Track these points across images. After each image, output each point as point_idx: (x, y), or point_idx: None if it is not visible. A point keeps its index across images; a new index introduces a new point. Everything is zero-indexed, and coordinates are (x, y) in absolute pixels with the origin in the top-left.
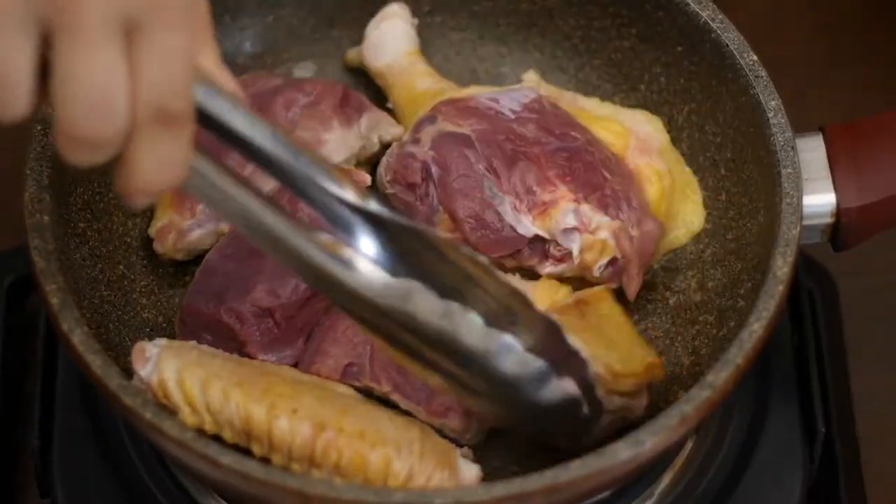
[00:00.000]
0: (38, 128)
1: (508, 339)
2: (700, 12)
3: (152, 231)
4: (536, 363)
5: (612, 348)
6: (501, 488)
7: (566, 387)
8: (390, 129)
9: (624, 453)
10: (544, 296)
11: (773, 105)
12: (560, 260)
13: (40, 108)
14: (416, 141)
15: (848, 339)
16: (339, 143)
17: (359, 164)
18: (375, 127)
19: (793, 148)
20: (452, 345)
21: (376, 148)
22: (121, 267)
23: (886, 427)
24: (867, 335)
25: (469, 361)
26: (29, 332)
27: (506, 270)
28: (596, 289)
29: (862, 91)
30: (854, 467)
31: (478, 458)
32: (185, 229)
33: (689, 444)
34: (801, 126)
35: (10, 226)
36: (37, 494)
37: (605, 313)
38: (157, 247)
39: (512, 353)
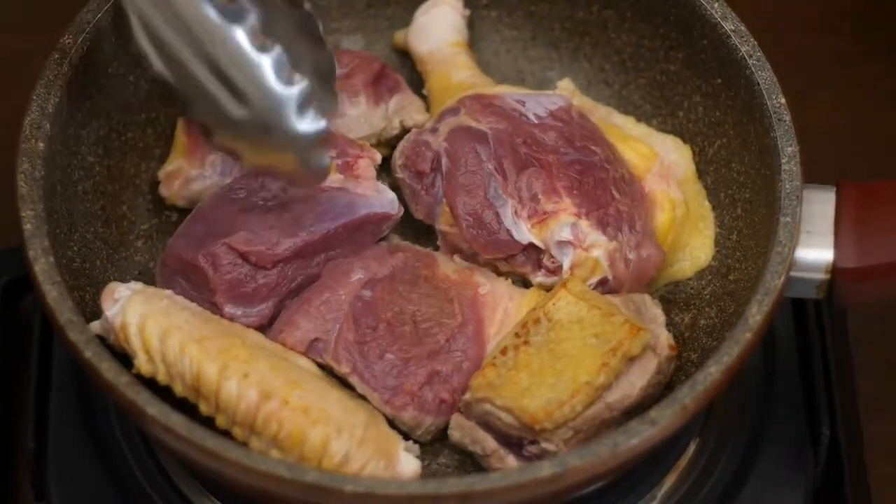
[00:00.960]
0: (56, 56)
1: (274, 56)
2: (739, 47)
3: (161, 173)
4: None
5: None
6: (415, 487)
7: (318, 125)
8: (415, 115)
9: (546, 471)
10: (533, 304)
11: (789, 151)
12: (551, 272)
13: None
14: (433, 130)
15: (853, 340)
16: (362, 119)
17: (379, 145)
18: (401, 110)
19: (797, 198)
20: (213, 57)
21: (396, 131)
22: (124, 207)
23: (893, 429)
24: (873, 335)
25: (226, 76)
26: (24, 333)
27: (499, 273)
28: (554, 292)
29: (871, 90)
30: (859, 471)
31: (427, 456)
32: (191, 177)
33: (692, 447)
34: (808, 127)
35: (6, 226)
36: (32, 497)
37: (562, 319)
38: (163, 190)
39: (279, 67)
